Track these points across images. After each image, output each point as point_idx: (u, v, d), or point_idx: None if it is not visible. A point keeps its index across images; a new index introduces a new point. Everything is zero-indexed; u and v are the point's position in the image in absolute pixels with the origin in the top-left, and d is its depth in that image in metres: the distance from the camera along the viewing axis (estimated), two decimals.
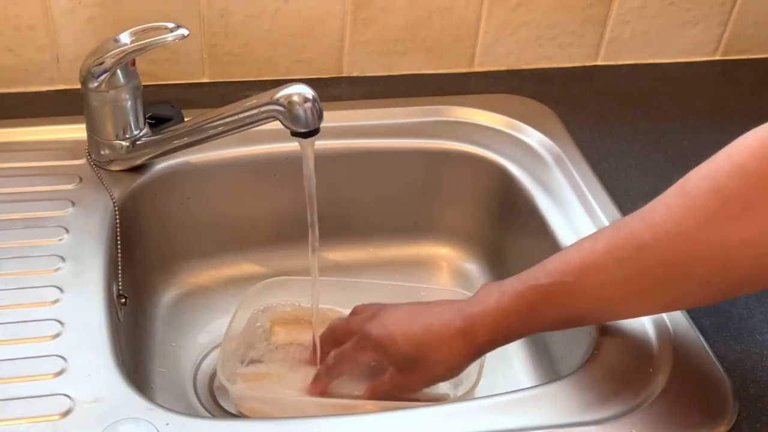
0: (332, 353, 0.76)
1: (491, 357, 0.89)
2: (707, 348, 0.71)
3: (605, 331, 0.72)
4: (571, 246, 0.67)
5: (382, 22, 1.01)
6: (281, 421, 0.77)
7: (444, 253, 1.01)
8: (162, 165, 0.89)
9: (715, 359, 0.70)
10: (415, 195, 0.98)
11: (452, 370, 0.72)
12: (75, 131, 0.89)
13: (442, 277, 1.00)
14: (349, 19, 1.00)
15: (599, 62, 1.11)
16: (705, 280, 0.60)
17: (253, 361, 0.82)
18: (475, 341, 0.69)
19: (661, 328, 0.72)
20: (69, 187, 0.84)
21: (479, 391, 0.86)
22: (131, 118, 0.84)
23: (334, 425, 0.66)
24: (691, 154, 0.96)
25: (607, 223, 0.84)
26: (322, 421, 0.66)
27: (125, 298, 0.80)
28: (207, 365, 0.88)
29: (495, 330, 0.68)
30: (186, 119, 0.89)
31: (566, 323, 0.69)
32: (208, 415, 0.82)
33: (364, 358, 0.75)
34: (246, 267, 0.97)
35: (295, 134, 0.72)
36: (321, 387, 0.77)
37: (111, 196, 0.83)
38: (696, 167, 0.61)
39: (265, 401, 0.78)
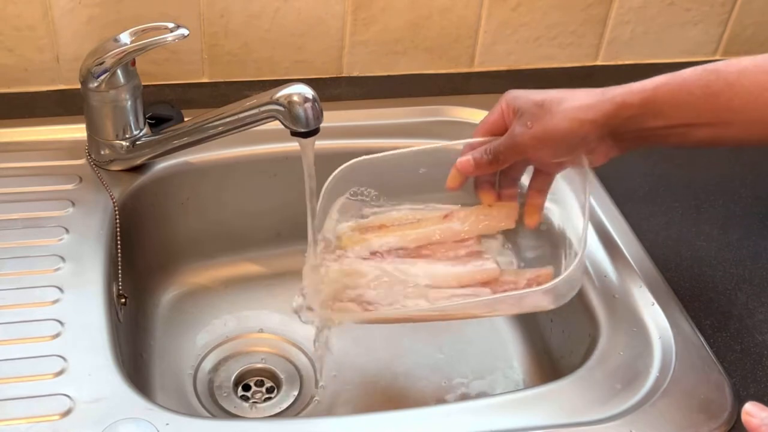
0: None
1: (491, 357, 0.89)
2: (707, 348, 0.71)
3: (605, 331, 0.72)
4: None
5: (382, 22, 1.01)
6: (281, 422, 0.77)
7: None
8: (162, 165, 0.89)
9: (715, 359, 0.70)
10: None
11: (573, 131, 0.68)
12: (75, 131, 0.89)
13: None
14: (349, 19, 1.00)
15: (599, 62, 1.11)
16: None
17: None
18: (613, 100, 0.67)
19: (661, 328, 0.72)
20: (69, 187, 0.84)
21: (478, 390, 0.86)
22: (131, 118, 0.84)
23: (334, 425, 0.66)
24: (691, 154, 0.96)
25: (607, 223, 0.84)
26: (323, 421, 0.66)
27: (125, 298, 0.80)
28: (207, 365, 0.88)
29: (636, 95, 0.66)
30: (186, 119, 0.89)
31: (696, 121, 0.66)
32: (208, 415, 0.82)
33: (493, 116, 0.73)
34: (246, 267, 0.97)
35: (295, 134, 0.72)
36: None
37: (111, 196, 0.83)
38: None
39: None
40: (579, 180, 0.72)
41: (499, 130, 0.73)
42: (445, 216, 0.78)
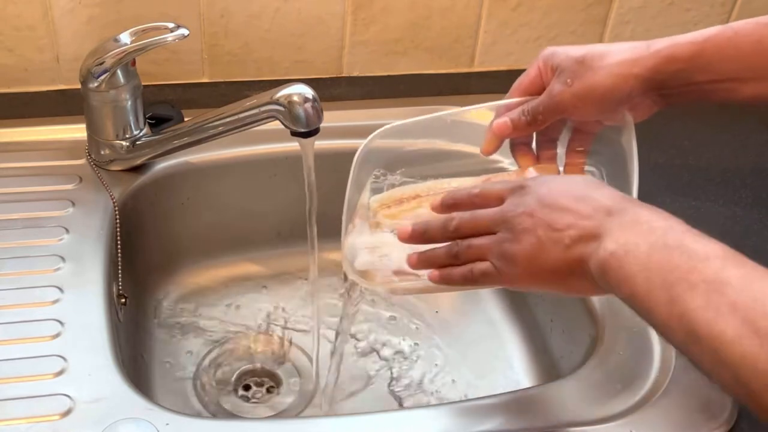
0: None
1: (491, 357, 0.89)
2: None
3: (605, 332, 0.72)
4: None
5: (382, 22, 1.01)
6: (281, 422, 0.77)
7: None
8: (162, 165, 0.89)
9: None
10: None
11: (616, 87, 0.65)
12: (75, 131, 0.89)
13: None
14: (349, 19, 1.00)
15: None
16: None
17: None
18: (659, 54, 0.64)
19: None
20: (69, 187, 0.84)
21: (478, 390, 0.86)
22: (131, 118, 0.84)
23: (333, 425, 0.66)
24: (691, 154, 0.96)
25: None
26: (323, 421, 0.66)
27: (125, 298, 0.80)
28: (207, 365, 0.88)
29: (685, 48, 0.63)
30: (186, 119, 0.89)
31: (745, 76, 0.64)
32: (208, 415, 0.82)
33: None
34: (246, 267, 0.97)
35: (295, 134, 0.73)
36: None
37: (111, 196, 0.83)
38: None
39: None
40: (623, 138, 0.69)
41: (536, 89, 0.70)
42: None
